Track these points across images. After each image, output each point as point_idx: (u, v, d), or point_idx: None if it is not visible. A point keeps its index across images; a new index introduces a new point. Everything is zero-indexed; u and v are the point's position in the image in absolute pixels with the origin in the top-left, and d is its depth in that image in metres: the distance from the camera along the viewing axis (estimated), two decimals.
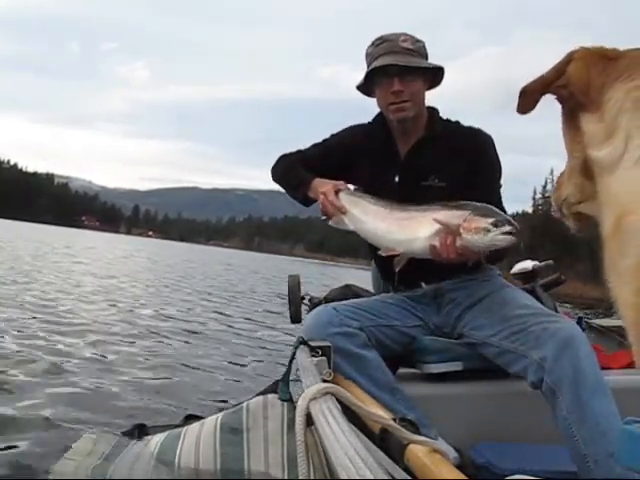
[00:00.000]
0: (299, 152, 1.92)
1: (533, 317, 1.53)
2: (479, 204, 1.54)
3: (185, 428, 1.54)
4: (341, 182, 1.74)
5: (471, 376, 1.74)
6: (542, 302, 1.83)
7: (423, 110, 1.80)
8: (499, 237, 1.49)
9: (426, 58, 1.78)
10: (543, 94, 0.68)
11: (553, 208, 0.82)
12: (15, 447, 1.95)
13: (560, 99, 0.67)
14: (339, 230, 1.72)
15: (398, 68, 1.68)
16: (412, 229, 1.59)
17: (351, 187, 1.80)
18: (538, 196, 77.21)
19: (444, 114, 1.86)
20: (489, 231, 1.49)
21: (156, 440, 1.58)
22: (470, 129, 1.81)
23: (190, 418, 1.95)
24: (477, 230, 1.49)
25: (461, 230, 1.50)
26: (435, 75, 1.80)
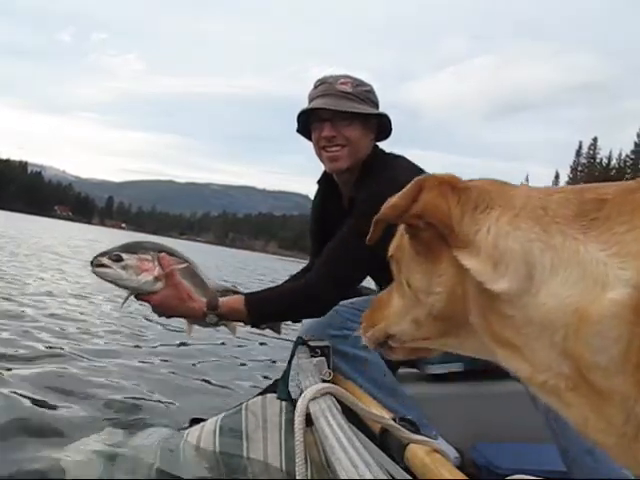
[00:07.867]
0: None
1: None
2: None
3: (187, 431, 1.58)
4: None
5: (471, 376, 1.79)
6: None
7: (363, 160, 1.70)
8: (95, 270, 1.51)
9: (373, 104, 1.68)
10: (395, 223, 0.63)
11: (364, 339, 0.75)
12: (29, 445, 1.91)
13: (412, 229, 0.60)
14: None
15: (330, 112, 1.62)
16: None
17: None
18: None
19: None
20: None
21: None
22: (383, 170, 1.66)
23: (195, 422, 1.98)
24: None
25: None
26: (381, 124, 1.71)
